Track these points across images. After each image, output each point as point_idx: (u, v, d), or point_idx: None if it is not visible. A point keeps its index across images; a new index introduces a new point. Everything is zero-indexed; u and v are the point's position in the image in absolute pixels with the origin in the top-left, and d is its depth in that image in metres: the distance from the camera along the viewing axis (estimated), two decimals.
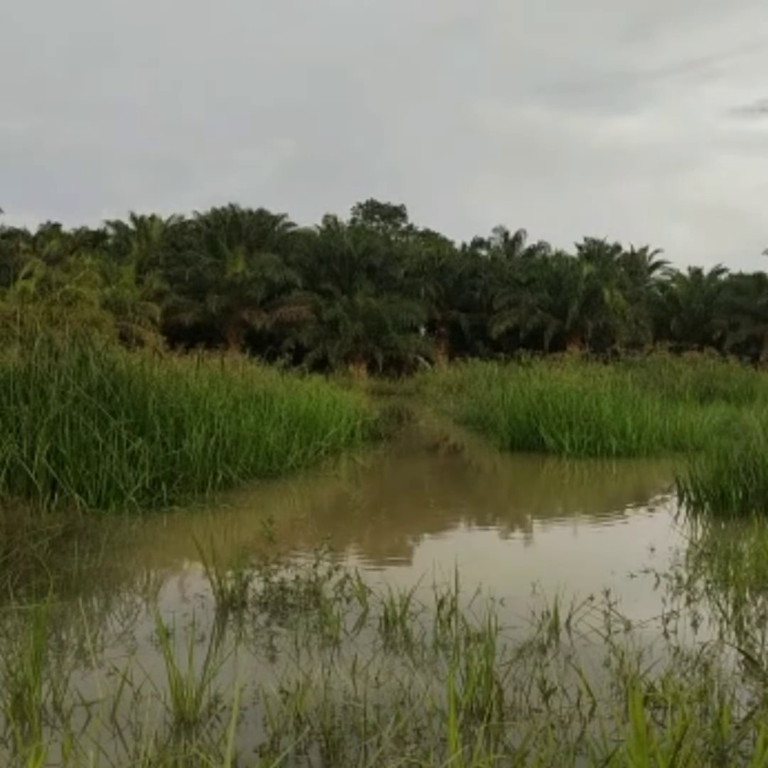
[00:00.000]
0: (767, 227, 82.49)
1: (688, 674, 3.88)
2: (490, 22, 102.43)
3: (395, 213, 58.53)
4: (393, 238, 56.06)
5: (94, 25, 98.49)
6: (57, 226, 47.46)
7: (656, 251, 57.22)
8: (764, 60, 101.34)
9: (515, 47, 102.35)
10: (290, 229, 52.04)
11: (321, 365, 38.65)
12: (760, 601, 5.11)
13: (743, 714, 3.32)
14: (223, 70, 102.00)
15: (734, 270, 54.06)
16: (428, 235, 57.29)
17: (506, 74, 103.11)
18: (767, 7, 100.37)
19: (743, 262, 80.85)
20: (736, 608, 4.92)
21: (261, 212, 51.07)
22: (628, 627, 4.57)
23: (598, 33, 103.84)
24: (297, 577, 5.23)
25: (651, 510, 9.44)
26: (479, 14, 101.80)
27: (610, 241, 54.96)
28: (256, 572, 5.33)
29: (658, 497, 9.60)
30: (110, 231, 51.08)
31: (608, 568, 5.85)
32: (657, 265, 57.58)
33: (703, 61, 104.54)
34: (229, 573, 5.22)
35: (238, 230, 49.00)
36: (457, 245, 56.07)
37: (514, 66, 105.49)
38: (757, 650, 4.27)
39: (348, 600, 5.07)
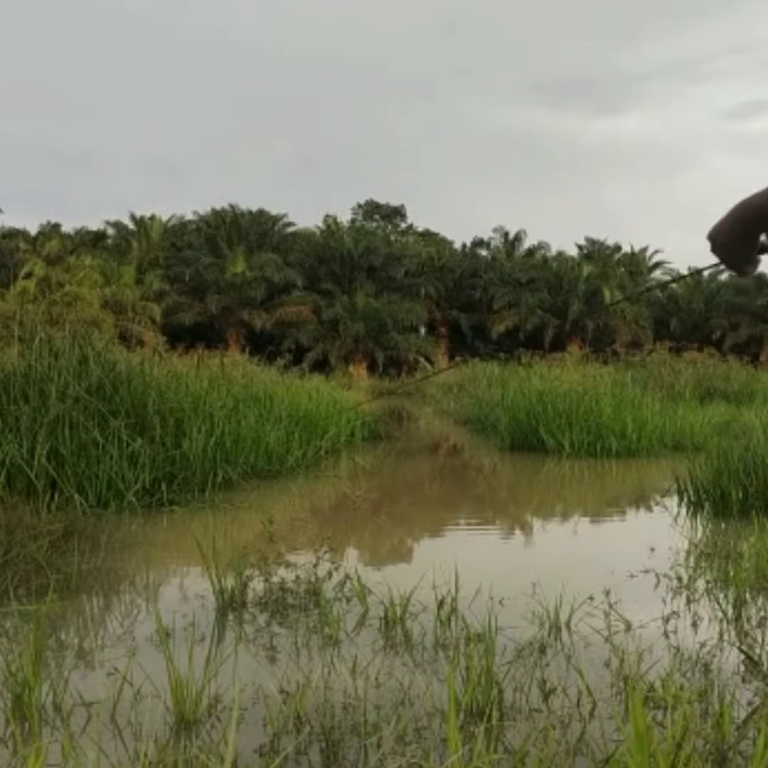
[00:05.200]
0: None
1: (689, 674, 3.88)
2: (486, 23, 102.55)
3: (395, 213, 58.53)
4: (393, 238, 56.05)
5: (95, 27, 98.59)
6: (57, 226, 47.50)
7: (656, 251, 57.32)
8: (750, 63, 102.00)
9: (510, 48, 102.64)
10: (290, 229, 52.11)
11: (321, 365, 38.68)
12: (760, 601, 5.10)
13: (743, 714, 3.32)
14: (223, 70, 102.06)
15: None
16: (428, 235, 57.29)
17: (502, 74, 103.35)
18: (751, 10, 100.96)
19: None
20: (736, 608, 4.92)
21: (261, 212, 51.13)
22: (629, 627, 4.57)
23: (587, 35, 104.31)
24: (297, 577, 5.23)
25: (651, 510, 9.44)
26: (475, 15, 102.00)
27: (610, 242, 54.94)
28: (256, 572, 5.33)
29: (658, 497, 9.60)
30: (110, 231, 51.15)
31: (608, 568, 5.85)
32: (657, 265, 57.61)
33: (691, 64, 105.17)
34: (229, 573, 5.22)
35: (238, 230, 49.03)
36: (457, 245, 56.16)
37: (509, 66, 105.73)
38: (758, 650, 4.27)
39: (348, 600, 5.07)
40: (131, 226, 51.07)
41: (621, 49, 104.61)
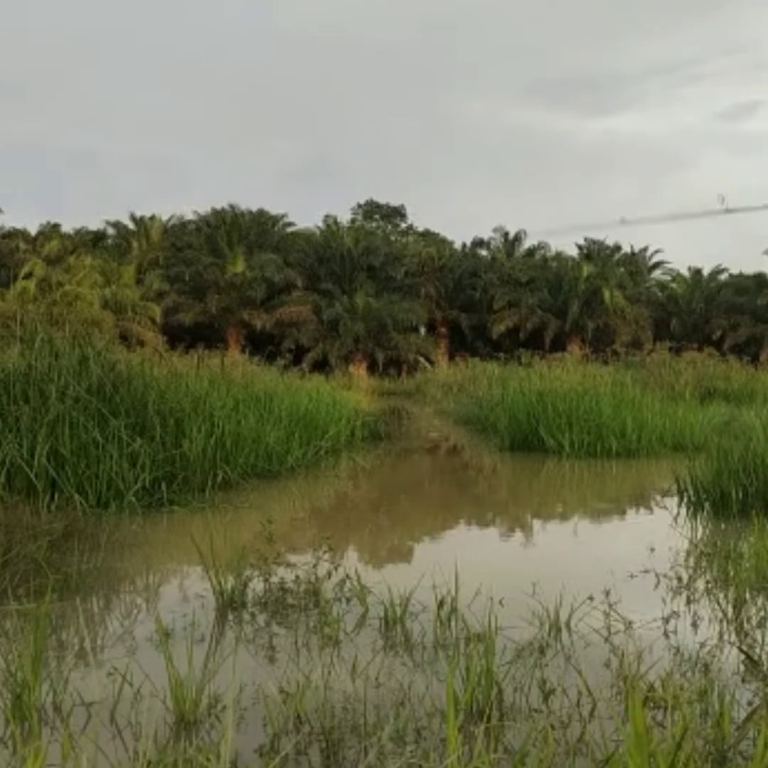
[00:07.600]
0: (758, 227, 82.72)
1: (688, 674, 3.88)
2: (485, 23, 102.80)
3: (395, 213, 58.49)
4: (393, 238, 56.00)
5: (95, 27, 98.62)
6: (57, 226, 47.38)
7: (656, 251, 57.20)
8: (744, 64, 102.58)
9: (509, 48, 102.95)
10: (290, 229, 52.04)
11: (321, 365, 38.66)
12: (760, 601, 5.10)
13: (743, 714, 3.32)
14: (222, 69, 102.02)
15: (734, 270, 54.03)
16: (428, 235, 57.23)
17: (500, 74, 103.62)
18: (746, 12, 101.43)
19: (739, 262, 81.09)
20: (736, 608, 4.92)
21: (261, 212, 51.07)
22: (628, 627, 4.57)
23: (585, 35, 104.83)
24: (297, 577, 5.23)
25: (651, 510, 9.44)
26: (474, 15, 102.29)
27: (609, 241, 54.88)
28: (256, 572, 5.33)
29: (658, 497, 9.60)
30: (110, 231, 51.09)
31: (608, 568, 5.84)
32: (657, 265, 57.57)
33: (686, 64, 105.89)
34: (229, 573, 5.22)
35: (238, 230, 48.97)
36: (457, 245, 56.05)
37: (508, 66, 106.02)
38: (757, 650, 4.26)
39: (348, 600, 5.07)
40: (131, 226, 51.04)
41: (618, 49, 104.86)
